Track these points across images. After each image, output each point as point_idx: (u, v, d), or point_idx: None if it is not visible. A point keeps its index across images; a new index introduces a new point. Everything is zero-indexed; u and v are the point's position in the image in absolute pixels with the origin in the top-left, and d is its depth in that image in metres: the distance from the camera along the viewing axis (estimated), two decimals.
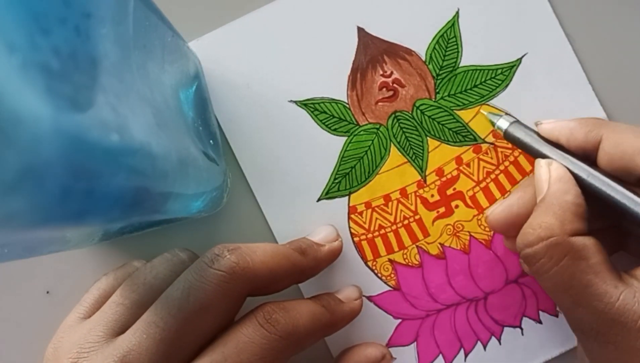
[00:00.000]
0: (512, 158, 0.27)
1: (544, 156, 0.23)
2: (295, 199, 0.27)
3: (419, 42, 0.27)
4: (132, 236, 0.27)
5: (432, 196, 0.27)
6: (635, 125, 0.22)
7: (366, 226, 0.27)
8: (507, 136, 0.24)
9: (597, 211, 0.21)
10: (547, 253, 0.20)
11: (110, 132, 0.12)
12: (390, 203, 0.27)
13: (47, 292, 0.27)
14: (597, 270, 0.20)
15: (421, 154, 0.27)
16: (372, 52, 0.27)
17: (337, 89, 0.27)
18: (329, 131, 0.27)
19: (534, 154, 0.23)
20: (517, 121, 0.24)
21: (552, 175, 0.22)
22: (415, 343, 0.27)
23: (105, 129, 0.11)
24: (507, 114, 0.26)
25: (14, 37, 0.09)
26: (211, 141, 0.25)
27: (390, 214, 0.27)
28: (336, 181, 0.27)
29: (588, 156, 0.22)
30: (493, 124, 0.25)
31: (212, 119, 0.27)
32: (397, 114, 0.27)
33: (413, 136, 0.27)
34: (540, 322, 0.27)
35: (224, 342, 0.20)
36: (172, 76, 0.21)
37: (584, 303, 0.20)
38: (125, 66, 0.15)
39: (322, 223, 0.27)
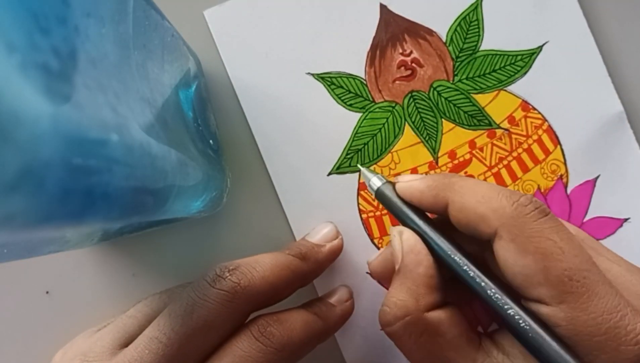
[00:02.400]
0: (525, 146, 0.27)
1: (404, 220, 0.22)
2: (306, 171, 0.27)
3: (441, 23, 0.27)
4: (132, 236, 0.27)
5: None
6: (481, 183, 0.21)
7: (375, 203, 0.27)
8: (377, 195, 0.24)
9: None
10: (406, 331, 0.20)
11: (109, 132, 0.12)
12: None
13: (47, 292, 0.27)
14: (455, 344, 0.20)
15: (435, 136, 0.27)
16: (393, 30, 0.27)
17: (355, 65, 0.27)
18: (344, 106, 0.27)
19: (397, 217, 0.23)
20: (389, 183, 0.23)
21: (404, 246, 0.21)
22: None
23: (105, 129, 0.11)
24: (381, 174, 0.24)
25: (14, 36, 0.09)
26: (211, 141, 0.25)
27: None
28: (348, 156, 0.27)
29: (443, 216, 0.22)
30: (367, 182, 0.24)
31: (211, 119, 0.27)
32: (414, 93, 0.27)
33: (428, 116, 0.27)
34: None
35: (219, 357, 0.20)
36: (172, 75, 0.21)
37: None
38: (125, 66, 0.15)
39: (332, 198, 0.27)
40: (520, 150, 0.27)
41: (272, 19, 0.27)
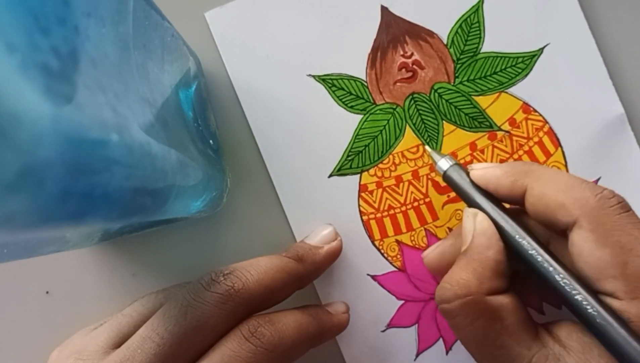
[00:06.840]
0: (526, 148, 0.27)
1: (474, 204, 0.22)
2: (307, 173, 0.27)
3: (442, 25, 0.27)
4: (132, 236, 0.27)
5: None
6: (562, 172, 0.21)
7: (376, 205, 0.27)
8: (445, 178, 0.24)
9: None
10: (463, 311, 0.20)
11: (109, 132, 0.12)
12: (401, 184, 0.27)
13: (47, 292, 0.27)
14: (512, 330, 0.19)
15: (436, 138, 0.27)
16: (394, 32, 0.27)
17: (357, 67, 0.27)
18: (345, 108, 0.27)
19: (466, 201, 0.23)
20: (457, 165, 0.24)
21: (477, 228, 0.21)
22: (416, 325, 0.27)
23: (105, 129, 0.11)
24: (449, 156, 0.25)
25: (14, 36, 0.09)
26: (211, 141, 0.25)
27: (401, 195, 0.27)
28: (349, 158, 0.27)
29: (517, 203, 0.22)
30: (435, 163, 0.24)
31: (211, 119, 0.27)
32: (415, 95, 0.27)
33: (429, 118, 0.27)
34: (543, 313, 0.27)
35: (209, 358, 0.20)
36: (171, 75, 0.21)
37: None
38: (125, 66, 0.15)
39: (332, 199, 0.27)
40: (521, 152, 0.27)
41: (273, 20, 0.27)
